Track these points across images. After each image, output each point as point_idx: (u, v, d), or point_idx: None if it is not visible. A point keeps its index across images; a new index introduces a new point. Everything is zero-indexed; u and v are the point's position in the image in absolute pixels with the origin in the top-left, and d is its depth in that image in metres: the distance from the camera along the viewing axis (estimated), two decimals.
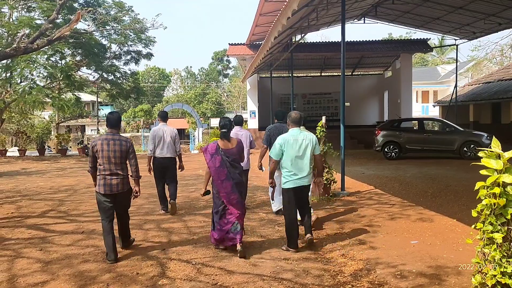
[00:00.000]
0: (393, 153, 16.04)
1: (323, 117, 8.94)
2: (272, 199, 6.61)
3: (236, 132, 7.39)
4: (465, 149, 15.32)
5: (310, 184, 5.60)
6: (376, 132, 16.47)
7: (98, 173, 5.35)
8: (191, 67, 71.91)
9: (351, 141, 21.50)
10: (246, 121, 24.66)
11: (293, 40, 15.78)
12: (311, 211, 5.90)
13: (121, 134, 5.61)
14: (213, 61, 71.20)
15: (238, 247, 5.20)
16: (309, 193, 5.79)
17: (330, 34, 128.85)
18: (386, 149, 16.16)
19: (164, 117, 8.15)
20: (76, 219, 7.59)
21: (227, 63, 72.07)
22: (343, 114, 9.72)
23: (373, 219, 6.83)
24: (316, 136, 8.92)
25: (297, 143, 5.38)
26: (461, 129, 15.95)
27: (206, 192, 5.59)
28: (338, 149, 9.33)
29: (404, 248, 5.29)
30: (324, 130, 8.84)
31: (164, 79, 67.53)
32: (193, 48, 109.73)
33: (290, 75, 30.41)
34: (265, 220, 7.13)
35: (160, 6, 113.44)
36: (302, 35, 12.85)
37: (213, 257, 5.28)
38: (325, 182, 8.67)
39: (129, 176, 5.51)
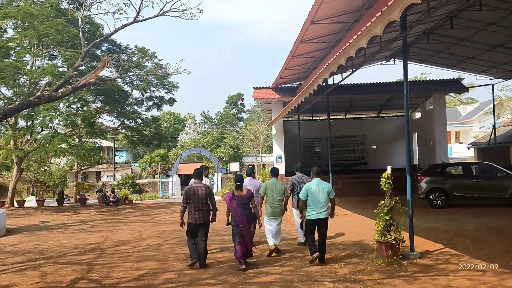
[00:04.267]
0: (439, 201, 14.82)
1: (389, 168, 7.86)
2: (299, 231, 9.29)
3: (246, 182, 9.09)
4: None
5: (327, 218, 7.74)
6: (419, 177, 15.32)
7: (188, 210, 7.80)
8: (208, 111, 71.95)
9: None
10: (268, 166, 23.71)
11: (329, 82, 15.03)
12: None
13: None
14: (228, 105, 71.41)
15: (243, 266, 7.44)
16: (327, 227, 7.83)
17: (352, 75, 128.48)
18: (431, 197, 14.97)
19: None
20: None
21: (241, 106, 72.27)
22: (409, 159, 8.43)
23: None
24: (381, 189, 7.93)
25: (317, 189, 7.70)
26: None
27: (229, 223, 7.94)
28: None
29: None
30: (391, 182, 7.76)
31: (178, 124, 67.56)
32: (208, 93, 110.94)
33: (311, 118, 29.78)
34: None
35: (178, 54, 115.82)
36: (344, 75, 12.07)
37: None
38: (393, 242, 7.54)
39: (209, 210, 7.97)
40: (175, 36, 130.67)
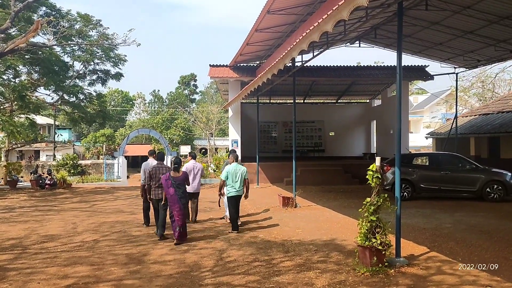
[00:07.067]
0: (405, 193, 13.98)
1: (378, 159, 6.60)
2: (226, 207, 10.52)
3: (193, 164, 10.61)
4: (488, 190, 13.52)
5: (241, 194, 9.57)
6: (385, 168, 14.41)
7: (151, 188, 9.17)
8: (158, 90, 68.78)
9: (345, 176, 19.40)
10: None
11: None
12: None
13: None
14: (180, 86, 68.69)
15: (176, 241, 8.30)
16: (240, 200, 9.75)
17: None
18: None
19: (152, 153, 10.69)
20: None
21: (194, 87, 69.76)
22: (399, 148, 7.04)
23: None
24: (369, 183, 6.70)
25: (235, 171, 9.46)
26: (481, 166, 14.14)
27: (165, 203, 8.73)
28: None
29: None
30: (380, 176, 6.51)
31: (127, 103, 64.20)
32: (160, 72, 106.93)
33: (269, 101, 28.42)
34: None
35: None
36: (316, 53, 10.72)
37: None
38: (380, 247, 6.35)
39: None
40: (126, 12, 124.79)
